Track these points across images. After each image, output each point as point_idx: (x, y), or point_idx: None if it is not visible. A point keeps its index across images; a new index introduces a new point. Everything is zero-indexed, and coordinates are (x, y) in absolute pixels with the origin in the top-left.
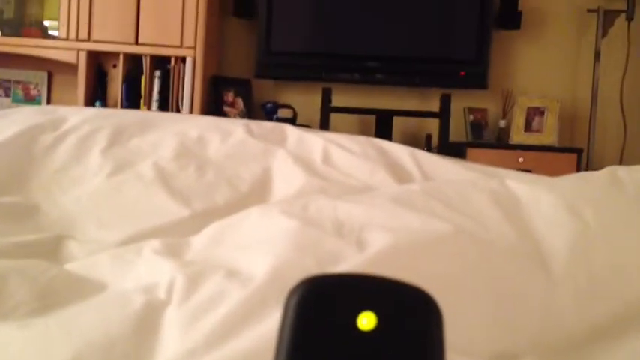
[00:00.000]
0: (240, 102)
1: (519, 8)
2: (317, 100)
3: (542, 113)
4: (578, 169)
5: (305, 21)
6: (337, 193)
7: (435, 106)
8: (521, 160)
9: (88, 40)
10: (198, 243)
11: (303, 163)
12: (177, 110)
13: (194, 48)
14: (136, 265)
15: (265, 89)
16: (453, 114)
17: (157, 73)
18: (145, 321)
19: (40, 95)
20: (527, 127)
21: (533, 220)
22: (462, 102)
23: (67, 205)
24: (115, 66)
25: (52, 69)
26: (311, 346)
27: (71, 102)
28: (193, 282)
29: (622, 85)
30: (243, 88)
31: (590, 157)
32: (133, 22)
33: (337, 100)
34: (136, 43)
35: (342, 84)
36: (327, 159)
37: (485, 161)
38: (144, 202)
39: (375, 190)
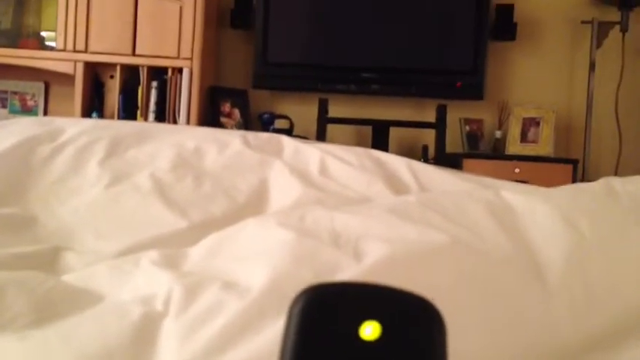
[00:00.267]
0: (237, 113)
1: (515, 19)
2: (313, 110)
3: (537, 124)
4: (573, 180)
5: (302, 32)
6: (334, 204)
7: (431, 116)
8: (517, 170)
9: (85, 51)
10: (196, 254)
11: (300, 174)
12: (174, 121)
13: (191, 59)
14: (134, 276)
15: (262, 100)
16: (449, 125)
17: (154, 84)
18: (142, 332)
19: (37, 106)
20: (523, 138)
21: (529, 231)
22: (457, 113)
23: (64, 216)
24: (112, 77)
25: (49, 80)
26: (314, 355)
27: (68, 113)
28: (191, 293)
29: (617, 95)
30: (240, 98)
31: (586, 168)
32: (130, 33)
33: (334, 111)
34: (133, 54)
35: (338, 95)
36: (323, 170)
37: (481, 172)
38: (141, 213)
39: (372, 201)
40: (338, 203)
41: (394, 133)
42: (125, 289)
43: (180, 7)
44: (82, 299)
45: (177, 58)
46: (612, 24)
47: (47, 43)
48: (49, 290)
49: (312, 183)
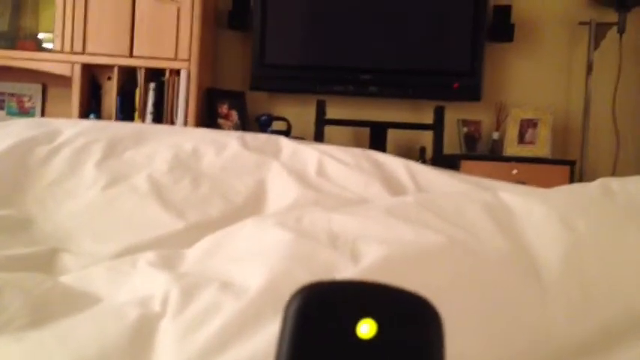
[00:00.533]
0: (234, 114)
1: (512, 21)
2: (311, 112)
3: (535, 125)
4: (571, 181)
5: (299, 34)
6: (331, 205)
7: (428, 118)
8: (514, 171)
9: (83, 52)
10: (193, 255)
11: (298, 175)
12: (172, 123)
13: (189, 60)
14: (131, 277)
15: (260, 102)
16: (447, 126)
17: (152, 85)
18: (139, 333)
19: (34, 108)
20: (521, 139)
21: (526, 232)
22: (455, 114)
23: (61, 218)
24: (109, 78)
25: (47, 82)
26: (310, 353)
27: (65, 115)
28: (188, 294)
29: (614, 97)
30: (237, 100)
31: (583, 169)
32: (128, 34)
33: (331, 113)
34: (131, 55)
35: (336, 96)
36: (321, 171)
37: (479, 173)
38: (138, 214)
39: (370, 202)
40: (335, 204)
41: (392, 134)
42: (122, 290)
43: (178, 9)
44: (79, 301)
45: (175, 59)
46: (610, 25)
47: (44, 44)
48: (46, 291)
49: (310, 184)
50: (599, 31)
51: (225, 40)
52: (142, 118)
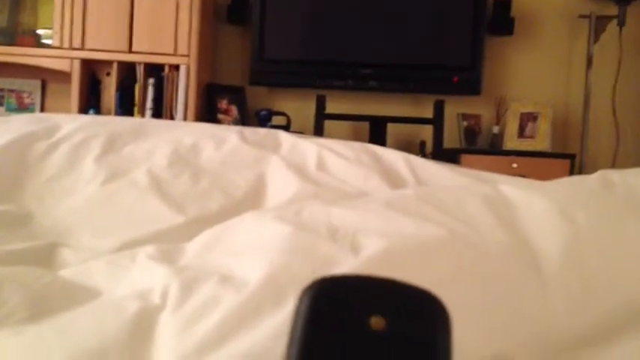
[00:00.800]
0: (234, 109)
1: (512, 14)
2: (311, 107)
3: (535, 119)
4: (571, 174)
5: (299, 28)
6: (331, 198)
7: (428, 112)
8: (514, 165)
9: (82, 48)
10: (193, 249)
11: (297, 169)
12: (171, 118)
13: (188, 55)
14: (131, 271)
15: (259, 97)
16: (447, 120)
17: (151, 81)
18: (139, 327)
19: (33, 104)
20: (521, 133)
21: (526, 225)
22: (455, 108)
23: (60, 213)
24: (108, 74)
25: (46, 77)
26: (322, 345)
27: (65, 110)
28: (188, 287)
29: (614, 90)
30: (237, 95)
31: (583, 162)
32: (127, 30)
33: (331, 107)
34: (130, 51)
35: (335, 91)
36: (321, 165)
37: (479, 167)
38: (138, 209)
39: (369, 196)
40: (335, 198)
41: (392, 129)
42: (122, 284)
43: (177, 4)
44: (78, 294)
45: (174, 54)
46: (610, 18)
47: (43, 40)
48: (45, 286)
49: (310, 178)
50: (599, 24)
51: (225, 35)
52: (142, 114)
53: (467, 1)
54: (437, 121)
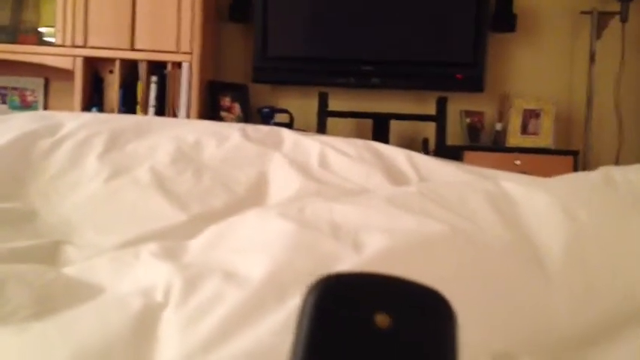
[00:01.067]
0: (237, 107)
1: (514, 11)
2: (314, 104)
3: (538, 116)
4: (574, 171)
5: (301, 26)
6: (333, 196)
7: (431, 109)
8: (517, 162)
9: (84, 46)
10: (196, 246)
11: (300, 166)
12: (174, 116)
13: (190, 53)
14: (134, 268)
15: (262, 94)
16: (450, 117)
17: (154, 78)
18: (142, 324)
19: (36, 102)
20: (524, 130)
21: (529, 221)
22: (458, 105)
23: (64, 211)
24: (111, 72)
25: (49, 75)
26: (328, 343)
27: (68, 108)
28: (191, 284)
29: (617, 86)
30: (240, 93)
31: (587, 159)
32: (129, 27)
33: (334, 105)
34: (132, 48)
35: (338, 88)
36: (323, 162)
37: (482, 164)
38: (141, 206)
39: (372, 193)
40: (338, 195)
41: (394, 126)
42: (125, 281)
43: (179, 1)
44: (82, 292)
45: (177, 52)
46: (612, 14)
47: (46, 38)
48: (49, 283)
49: (312, 175)
50: (601, 21)
51: (227, 33)
52: (145, 112)
53: None
54: (440, 118)
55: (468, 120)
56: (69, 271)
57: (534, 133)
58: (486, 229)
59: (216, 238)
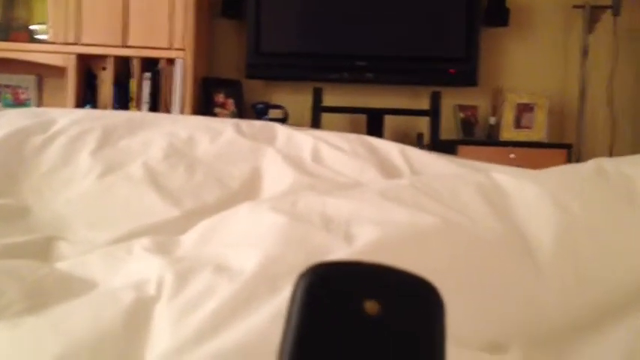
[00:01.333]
0: (231, 103)
1: (507, 5)
2: (308, 100)
3: (531, 109)
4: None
5: (294, 21)
6: (327, 190)
7: (425, 104)
8: (512, 156)
9: (77, 43)
10: (188, 240)
11: (293, 161)
12: (168, 112)
13: (184, 49)
14: (127, 263)
15: (256, 90)
16: (444, 112)
17: (147, 75)
18: (134, 317)
19: (29, 99)
20: (517, 124)
21: (520, 213)
22: (452, 100)
23: (57, 207)
24: (104, 69)
25: (42, 73)
26: (318, 329)
27: (61, 105)
28: (183, 278)
29: (610, 80)
30: (233, 89)
31: (580, 152)
32: (122, 24)
33: (328, 100)
34: (125, 45)
35: (332, 84)
36: (316, 157)
37: (476, 158)
38: (134, 202)
39: (364, 186)
40: (331, 189)
41: (389, 121)
42: (118, 275)
43: None
44: (74, 286)
45: (170, 48)
46: (604, 8)
47: (38, 36)
48: (41, 278)
49: (305, 170)
50: (593, 14)
51: (220, 29)
52: (138, 108)
53: None
54: (434, 112)
55: (461, 114)
56: (62, 266)
57: (528, 127)
58: (478, 221)
59: (209, 232)
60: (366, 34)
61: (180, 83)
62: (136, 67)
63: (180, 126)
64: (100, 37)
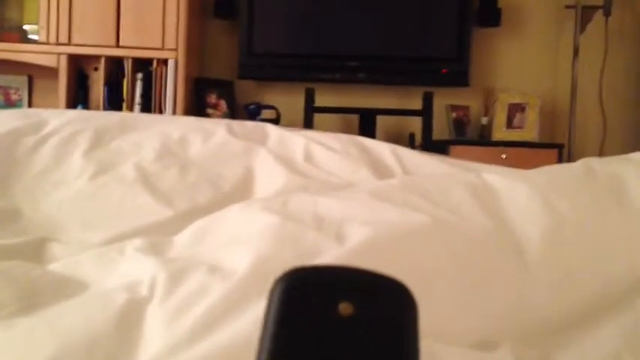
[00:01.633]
0: (223, 104)
1: (499, 5)
2: (300, 100)
3: (523, 109)
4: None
5: (286, 22)
6: (319, 190)
7: (417, 104)
8: (503, 156)
9: (69, 43)
10: (181, 241)
11: (285, 161)
12: (160, 113)
13: (176, 50)
14: (119, 263)
15: (248, 90)
16: (436, 112)
17: (139, 75)
18: (127, 318)
19: (21, 100)
20: (509, 124)
21: (509, 211)
22: (444, 100)
23: (49, 208)
24: (96, 69)
25: (33, 73)
26: (293, 330)
27: (53, 106)
28: (175, 278)
29: (601, 80)
30: (226, 89)
31: (571, 152)
32: (114, 24)
33: (320, 101)
34: (117, 45)
35: (324, 84)
36: (308, 157)
37: (468, 158)
38: (127, 203)
39: (356, 186)
40: (323, 189)
41: (381, 121)
42: (110, 276)
43: None
44: (67, 287)
45: (162, 49)
46: (595, 8)
47: (30, 36)
48: (34, 279)
49: (297, 170)
50: (585, 15)
51: (212, 29)
52: (130, 109)
53: None
54: (426, 112)
55: (453, 114)
56: (54, 267)
57: (519, 127)
58: (468, 220)
59: (201, 232)
60: (358, 34)
61: (173, 84)
62: (127, 67)
63: (173, 127)
64: (91, 38)
